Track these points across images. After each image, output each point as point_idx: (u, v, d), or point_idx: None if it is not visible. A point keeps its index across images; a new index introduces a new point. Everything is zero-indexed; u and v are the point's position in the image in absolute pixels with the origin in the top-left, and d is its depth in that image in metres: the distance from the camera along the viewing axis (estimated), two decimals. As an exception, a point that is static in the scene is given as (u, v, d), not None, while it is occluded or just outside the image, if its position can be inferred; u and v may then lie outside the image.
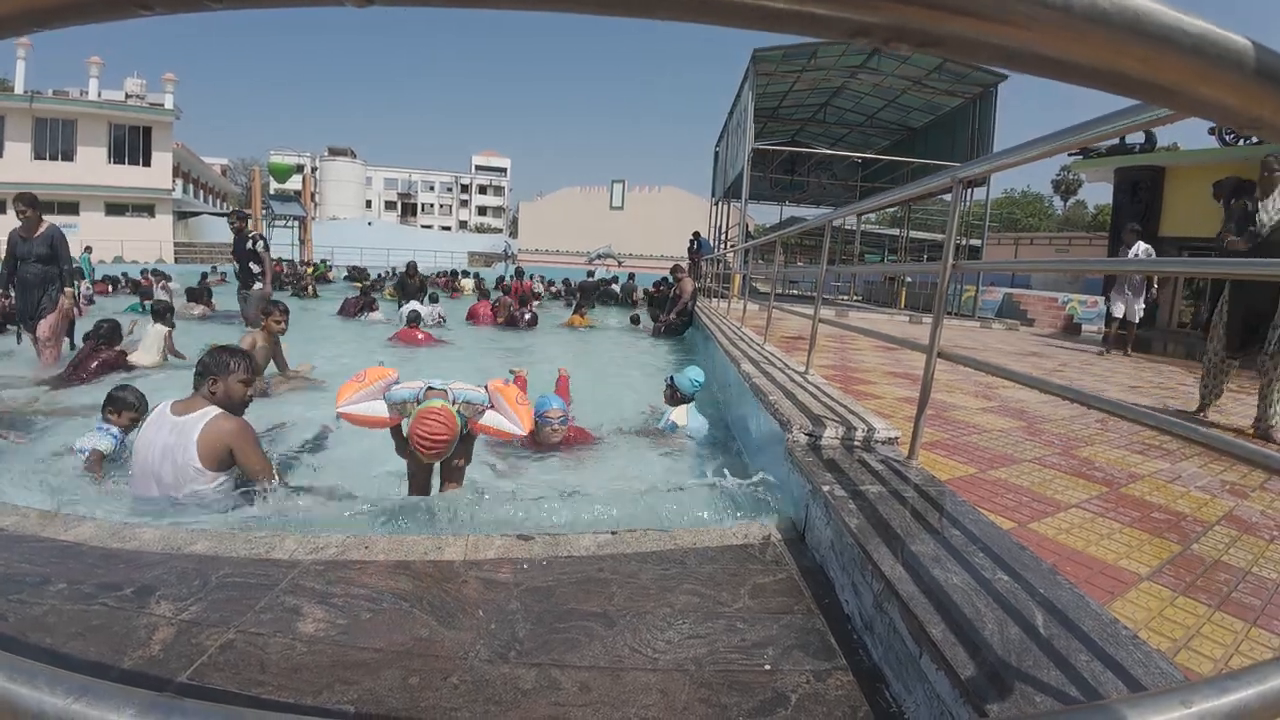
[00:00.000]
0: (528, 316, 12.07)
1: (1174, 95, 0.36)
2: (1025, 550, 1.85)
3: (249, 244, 8.95)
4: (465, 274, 22.61)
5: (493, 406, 2.99)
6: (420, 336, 9.41)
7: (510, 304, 12.50)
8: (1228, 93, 0.36)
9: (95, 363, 6.06)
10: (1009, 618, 1.49)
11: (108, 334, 6.32)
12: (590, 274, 20.47)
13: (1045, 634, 1.44)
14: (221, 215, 41.11)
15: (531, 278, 21.08)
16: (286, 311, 6.16)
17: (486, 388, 3.05)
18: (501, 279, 19.84)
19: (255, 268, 8.90)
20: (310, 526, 2.72)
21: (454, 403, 2.86)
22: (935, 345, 2.51)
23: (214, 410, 3.11)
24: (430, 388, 2.88)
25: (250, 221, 9.34)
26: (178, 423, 3.05)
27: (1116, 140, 14.49)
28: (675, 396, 4.80)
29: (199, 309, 11.39)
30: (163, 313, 7.65)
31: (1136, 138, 14.21)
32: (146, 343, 7.10)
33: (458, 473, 3.03)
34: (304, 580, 2.08)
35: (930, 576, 1.66)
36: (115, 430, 3.77)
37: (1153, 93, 0.35)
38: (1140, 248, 8.38)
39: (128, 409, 3.90)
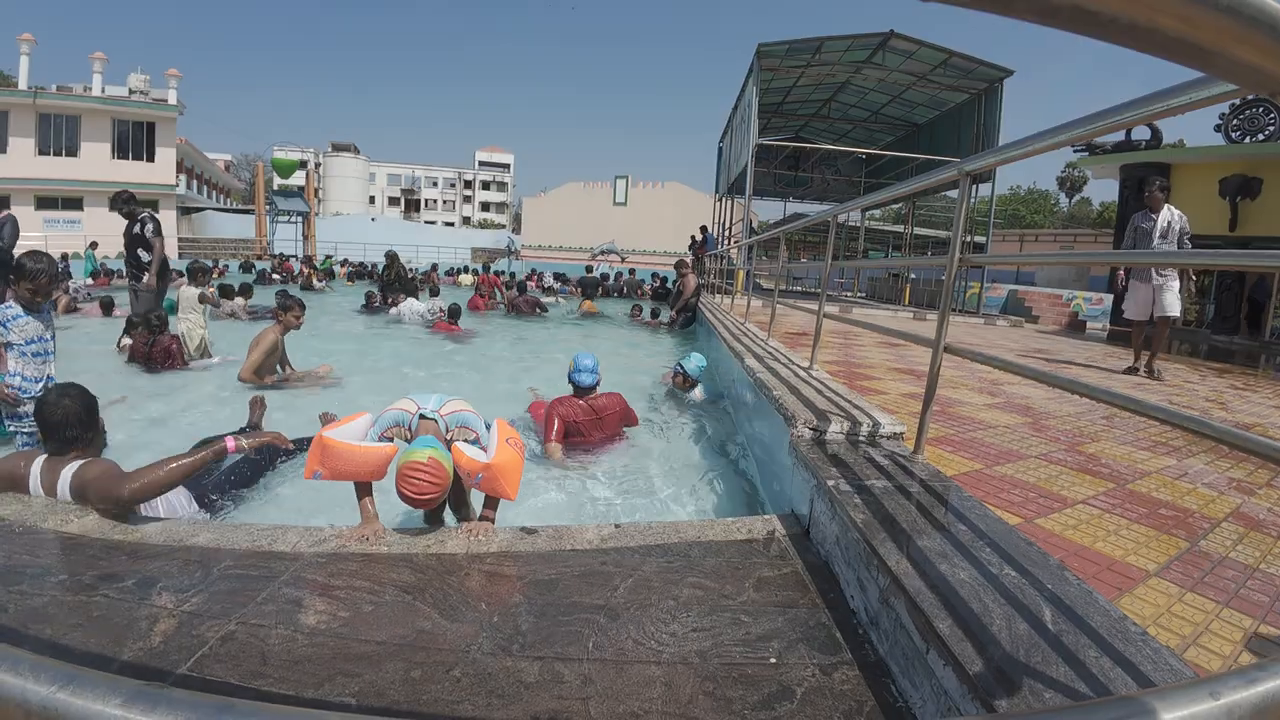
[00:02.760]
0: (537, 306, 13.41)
1: (1209, 56, 0.35)
2: (1033, 546, 1.83)
3: (137, 227, 7.69)
4: (465, 269, 24.56)
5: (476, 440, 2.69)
6: (455, 329, 10.11)
7: (511, 296, 13.73)
8: (1262, 57, 0.35)
9: (158, 349, 6.37)
10: (1017, 613, 1.48)
11: (160, 323, 6.62)
12: (589, 269, 20.68)
13: (1053, 630, 1.42)
14: (226, 211, 41.14)
15: (533, 271, 21.74)
16: (304, 307, 6.19)
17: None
18: (495, 274, 20.19)
19: (145, 255, 7.71)
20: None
21: (446, 430, 2.65)
22: (941, 340, 2.49)
23: (75, 464, 2.68)
24: (423, 416, 2.66)
25: (137, 205, 7.85)
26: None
27: (1122, 137, 14.43)
28: (686, 381, 5.88)
29: (240, 302, 11.06)
30: (195, 273, 7.89)
31: (1142, 134, 14.15)
32: (183, 305, 7.48)
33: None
34: (306, 573, 2.07)
35: (937, 572, 1.65)
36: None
37: (1188, 52, 0.34)
38: (1174, 214, 5.93)
39: (25, 278, 3.63)
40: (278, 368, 6.11)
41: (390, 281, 13.60)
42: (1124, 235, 6.12)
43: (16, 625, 1.74)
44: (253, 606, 1.86)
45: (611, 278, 20.82)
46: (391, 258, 14.18)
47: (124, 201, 7.75)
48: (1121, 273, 6.77)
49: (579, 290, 15.34)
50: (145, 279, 7.65)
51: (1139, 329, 6.45)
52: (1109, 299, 15.00)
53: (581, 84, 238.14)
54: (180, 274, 8.94)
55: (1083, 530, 2.16)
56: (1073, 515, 2.29)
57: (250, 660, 1.62)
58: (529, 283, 18.57)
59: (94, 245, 20.30)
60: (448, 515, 2.94)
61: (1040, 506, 2.35)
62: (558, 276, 20.10)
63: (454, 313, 10.28)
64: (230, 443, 2.65)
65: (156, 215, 7.88)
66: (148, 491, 2.51)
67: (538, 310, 13.42)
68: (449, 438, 2.63)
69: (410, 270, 19.93)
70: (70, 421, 2.73)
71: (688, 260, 14.00)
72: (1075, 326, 13.81)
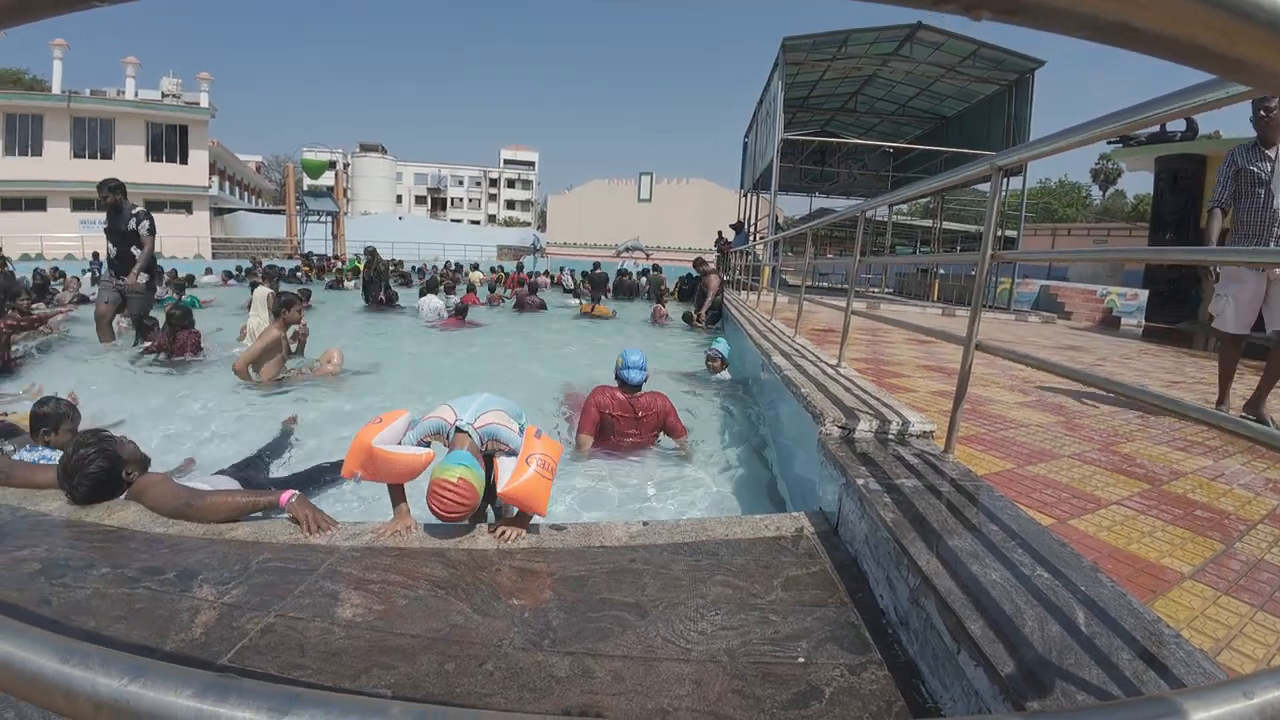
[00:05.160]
0: (536, 300, 14.01)
1: (1248, 69, 0.35)
2: (1066, 547, 1.81)
3: (131, 222, 7.00)
4: (474, 266, 25.18)
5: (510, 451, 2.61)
6: (462, 323, 10.66)
7: (522, 294, 14.29)
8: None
9: (177, 345, 6.45)
10: (1049, 615, 1.47)
11: (182, 318, 6.65)
12: (596, 265, 19.97)
13: (1086, 632, 1.41)
14: (257, 211, 41.85)
15: (563, 270, 22.28)
16: (302, 300, 6.31)
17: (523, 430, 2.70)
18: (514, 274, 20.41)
19: (138, 252, 7.08)
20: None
21: (481, 443, 2.57)
22: (973, 337, 2.46)
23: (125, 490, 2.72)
24: (458, 429, 2.59)
25: (124, 195, 7.07)
26: None
27: (1157, 128, 14.05)
28: (711, 362, 6.64)
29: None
30: (270, 275, 8.02)
31: (1177, 125, 13.76)
32: (256, 304, 7.78)
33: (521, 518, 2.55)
34: (341, 566, 2.12)
35: (968, 572, 1.64)
36: (48, 453, 3.23)
37: (1228, 66, 0.35)
38: None
39: (64, 420, 3.35)
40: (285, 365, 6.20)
41: (372, 278, 13.36)
42: (1221, 182, 4.08)
43: (59, 617, 1.79)
44: (291, 599, 1.90)
45: (633, 274, 19.85)
46: (371, 253, 14.04)
47: (111, 190, 6.92)
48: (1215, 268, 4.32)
49: (589, 289, 15.07)
50: (128, 278, 7.00)
51: (1234, 347, 4.01)
52: (1144, 294, 14.63)
53: (606, 81, 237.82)
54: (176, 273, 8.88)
55: (1117, 532, 2.13)
56: (1107, 516, 2.26)
57: (289, 652, 1.67)
58: (541, 281, 18.67)
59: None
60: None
61: (1073, 507, 2.32)
62: (585, 276, 19.62)
63: (460, 310, 11.02)
64: (283, 499, 2.55)
65: (149, 212, 7.31)
66: (205, 517, 2.50)
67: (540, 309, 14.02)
68: (485, 449, 2.58)
69: (431, 268, 20.05)
70: (93, 496, 2.62)
71: (706, 258, 13.84)
72: (1109, 323, 13.50)
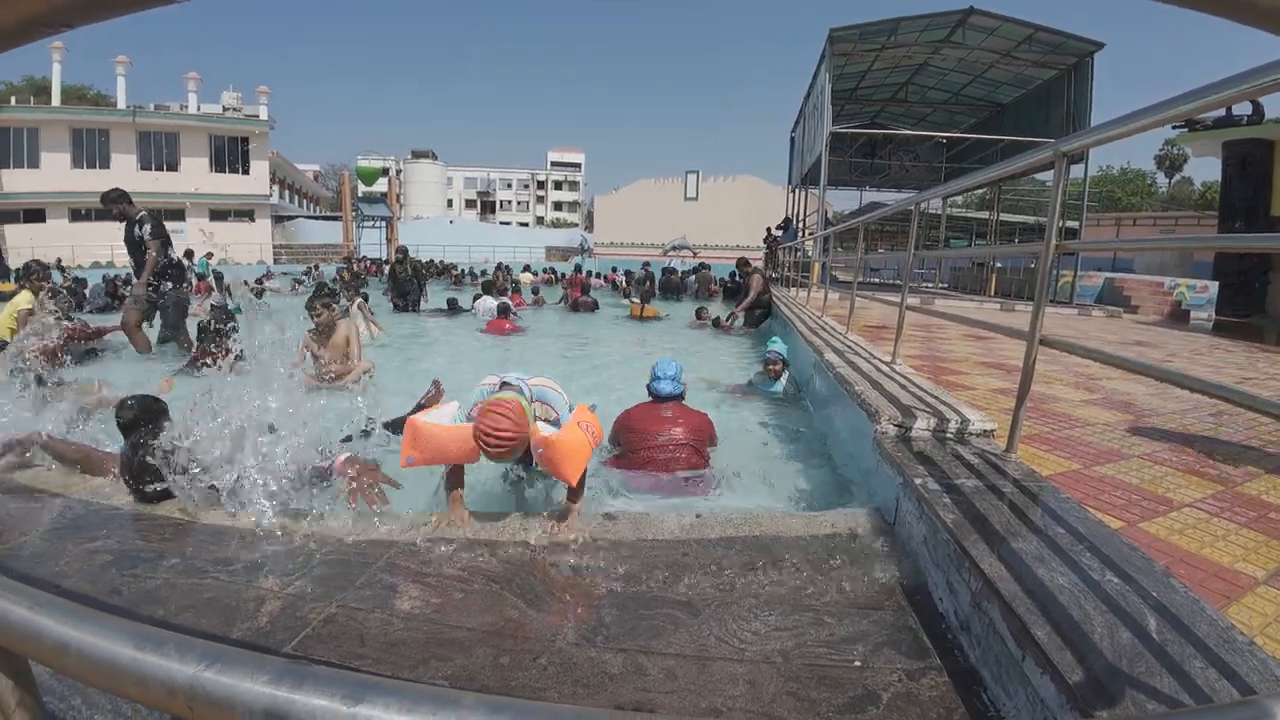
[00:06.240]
0: (587, 301, 13.92)
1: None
2: (1136, 551, 1.74)
3: (136, 229, 6.62)
4: (525, 268, 24.86)
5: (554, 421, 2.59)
6: (508, 326, 10.15)
7: (575, 295, 14.32)
8: None
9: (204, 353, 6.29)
10: (1119, 621, 1.41)
11: (213, 330, 6.33)
12: (645, 265, 19.52)
13: (1158, 639, 1.35)
14: (316, 218, 43.14)
15: (615, 270, 22.12)
16: (324, 299, 6.20)
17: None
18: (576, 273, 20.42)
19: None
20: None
21: (531, 400, 2.51)
22: (1037, 332, 2.38)
23: None
24: (505, 383, 2.56)
25: (129, 203, 6.74)
26: None
27: (1222, 112, 13.26)
28: (771, 366, 5.80)
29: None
30: (357, 286, 8.21)
31: (1243, 109, 12.99)
32: (352, 311, 8.02)
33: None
34: (399, 560, 2.17)
35: (1034, 576, 1.58)
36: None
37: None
38: None
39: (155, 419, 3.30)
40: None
41: (402, 280, 12.67)
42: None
43: (130, 606, 1.88)
44: (351, 591, 1.96)
45: (680, 274, 19.65)
46: (403, 253, 13.41)
47: (113, 201, 6.59)
48: None
49: (636, 289, 14.69)
50: (134, 287, 6.68)
51: None
52: (1214, 287, 13.88)
53: (652, 80, 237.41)
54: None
55: (1189, 535, 2.04)
56: (1179, 519, 2.16)
57: (350, 641, 1.71)
58: (595, 283, 18.70)
59: (209, 255, 21.91)
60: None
61: (1144, 510, 2.23)
62: (629, 275, 19.44)
63: (503, 310, 10.64)
64: (339, 463, 2.64)
65: (155, 214, 6.89)
66: None
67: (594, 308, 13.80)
68: (529, 407, 2.49)
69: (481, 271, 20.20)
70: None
71: (751, 258, 13.64)
72: (1178, 317, 12.84)
